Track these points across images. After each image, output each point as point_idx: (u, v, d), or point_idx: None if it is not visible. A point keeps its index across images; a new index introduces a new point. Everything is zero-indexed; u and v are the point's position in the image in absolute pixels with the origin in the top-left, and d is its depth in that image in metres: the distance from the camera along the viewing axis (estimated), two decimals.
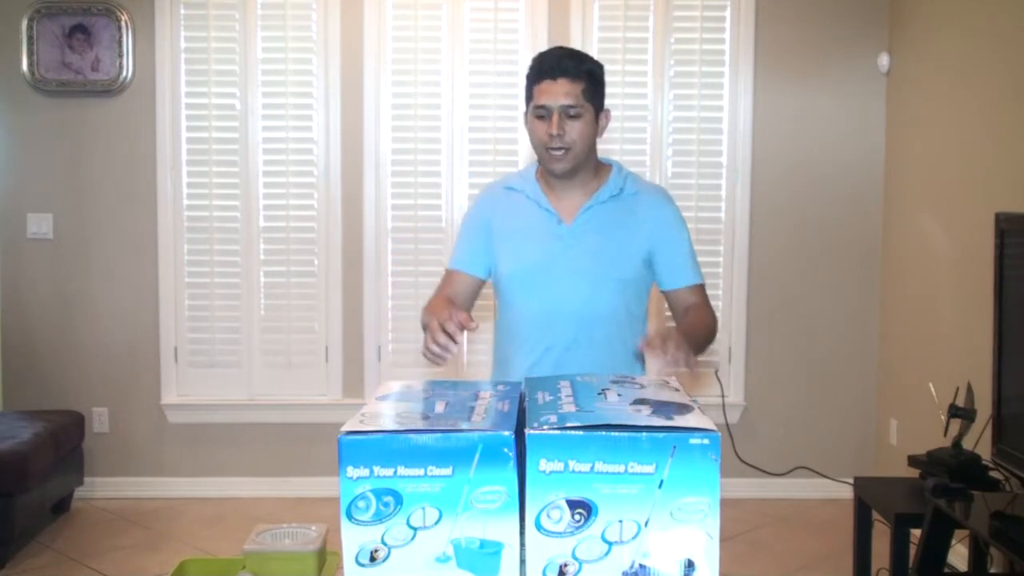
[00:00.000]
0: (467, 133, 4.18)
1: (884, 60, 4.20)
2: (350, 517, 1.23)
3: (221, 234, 4.25)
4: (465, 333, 1.79)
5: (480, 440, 1.22)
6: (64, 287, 4.25)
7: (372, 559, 1.25)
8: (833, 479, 4.26)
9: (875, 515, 2.98)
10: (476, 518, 1.22)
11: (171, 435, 4.31)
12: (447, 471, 1.22)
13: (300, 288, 4.30)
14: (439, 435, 1.23)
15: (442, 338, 1.73)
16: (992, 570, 2.82)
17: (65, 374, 4.27)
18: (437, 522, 1.23)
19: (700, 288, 2.17)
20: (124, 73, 4.16)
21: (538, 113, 2.04)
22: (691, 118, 4.24)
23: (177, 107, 4.20)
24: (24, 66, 4.14)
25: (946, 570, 2.63)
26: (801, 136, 4.27)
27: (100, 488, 4.26)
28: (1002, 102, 3.29)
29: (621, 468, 1.19)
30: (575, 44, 4.16)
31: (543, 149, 2.06)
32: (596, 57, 4.38)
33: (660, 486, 1.19)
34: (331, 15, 4.16)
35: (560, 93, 2.01)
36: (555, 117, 2.01)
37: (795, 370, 4.35)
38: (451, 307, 1.84)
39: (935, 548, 2.51)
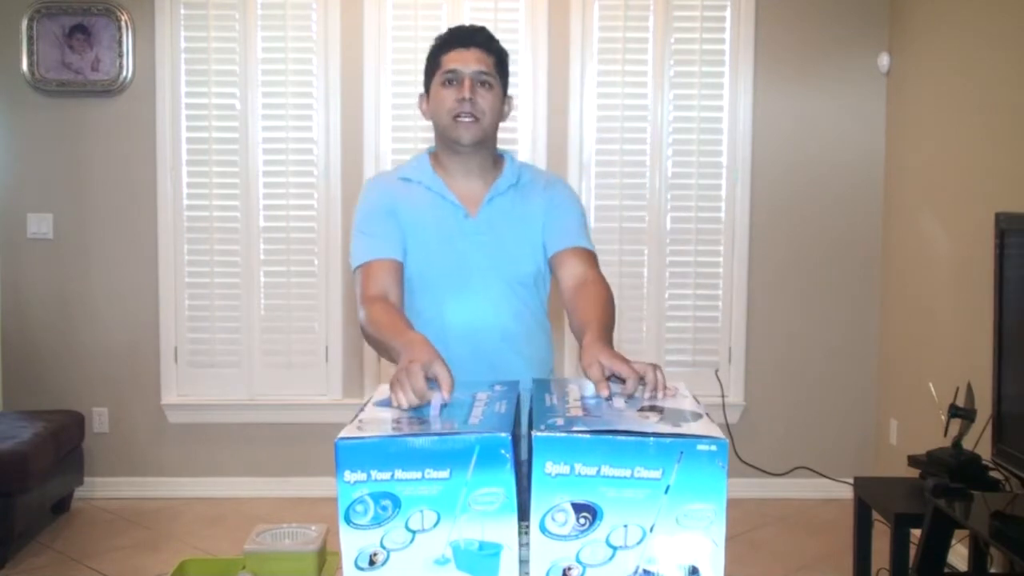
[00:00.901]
0: None
1: (884, 60, 4.20)
2: (348, 521, 1.23)
3: (221, 234, 4.25)
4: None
5: (477, 442, 1.22)
6: (64, 287, 4.25)
7: (371, 563, 1.24)
8: (833, 479, 4.26)
9: (875, 515, 2.98)
10: (474, 520, 1.22)
11: (171, 435, 4.31)
12: (444, 474, 1.22)
13: (300, 288, 4.29)
14: (436, 438, 1.23)
15: (413, 400, 1.40)
16: (992, 570, 2.82)
17: (65, 374, 4.27)
18: (435, 525, 1.22)
19: (591, 255, 1.96)
20: (124, 73, 4.16)
21: (446, 78, 1.92)
22: (691, 118, 4.24)
23: (177, 107, 4.20)
24: (24, 66, 4.14)
25: (946, 570, 2.63)
26: (801, 136, 4.27)
27: (100, 488, 4.26)
28: (1002, 102, 3.29)
29: (628, 472, 1.18)
30: (575, 44, 4.16)
31: (450, 118, 1.92)
32: (596, 57, 4.39)
33: (666, 491, 1.19)
34: (331, 15, 4.16)
35: (472, 59, 1.92)
36: (467, 82, 1.90)
37: (795, 370, 4.35)
38: (432, 362, 1.47)
39: (935, 548, 2.51)
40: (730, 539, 3.94)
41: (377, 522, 1.23)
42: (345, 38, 4.18)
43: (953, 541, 2.59)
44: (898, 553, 2.74)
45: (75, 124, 4.20)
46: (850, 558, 3.12)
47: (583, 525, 1.19)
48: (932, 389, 3.16)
